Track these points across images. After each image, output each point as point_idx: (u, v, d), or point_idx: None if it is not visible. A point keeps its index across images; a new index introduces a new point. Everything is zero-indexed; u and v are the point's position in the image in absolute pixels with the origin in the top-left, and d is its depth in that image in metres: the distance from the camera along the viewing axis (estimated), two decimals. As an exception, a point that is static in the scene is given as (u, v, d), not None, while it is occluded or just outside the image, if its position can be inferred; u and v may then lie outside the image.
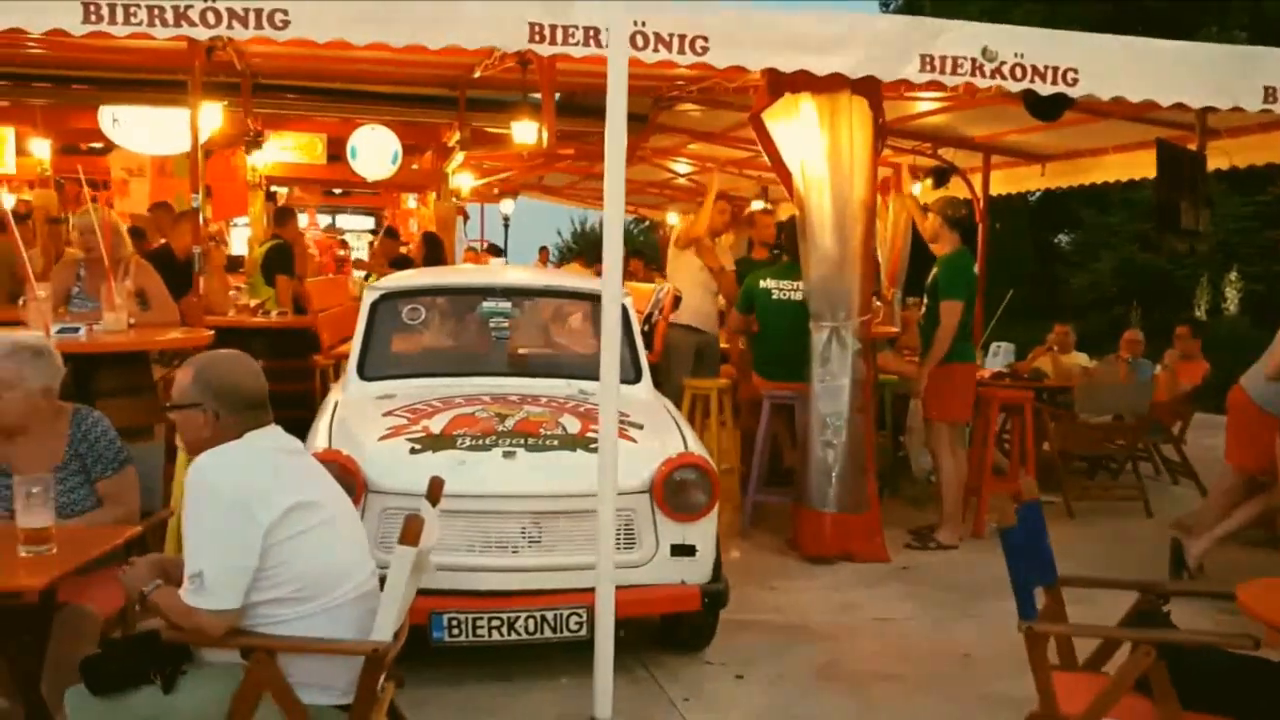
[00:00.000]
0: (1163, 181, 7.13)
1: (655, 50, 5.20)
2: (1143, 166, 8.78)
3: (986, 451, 6.59)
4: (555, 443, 4.25)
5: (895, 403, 7.87)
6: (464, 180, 11.00)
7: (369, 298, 5.19)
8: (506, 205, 18.75)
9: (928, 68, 5.50)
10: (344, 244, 14.56)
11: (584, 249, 19.09)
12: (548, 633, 4.02)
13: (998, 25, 5.70)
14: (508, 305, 5.11)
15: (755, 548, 6.13)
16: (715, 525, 4.27)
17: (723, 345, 7.46)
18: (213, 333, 5.50)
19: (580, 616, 4.01)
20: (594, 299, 5.38)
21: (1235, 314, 13.89)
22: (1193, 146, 7.15)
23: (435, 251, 9.21)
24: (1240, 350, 9.01)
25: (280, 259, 8.72)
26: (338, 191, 15.34)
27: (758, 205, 11.29)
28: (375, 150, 10.63)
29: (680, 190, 13.83)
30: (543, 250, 19.49)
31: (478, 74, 7.70)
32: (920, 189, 9.17)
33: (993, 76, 5.58)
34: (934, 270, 6.30)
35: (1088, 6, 16.84)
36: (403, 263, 9.02)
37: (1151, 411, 7.43)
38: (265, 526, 2.67)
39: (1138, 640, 2.91)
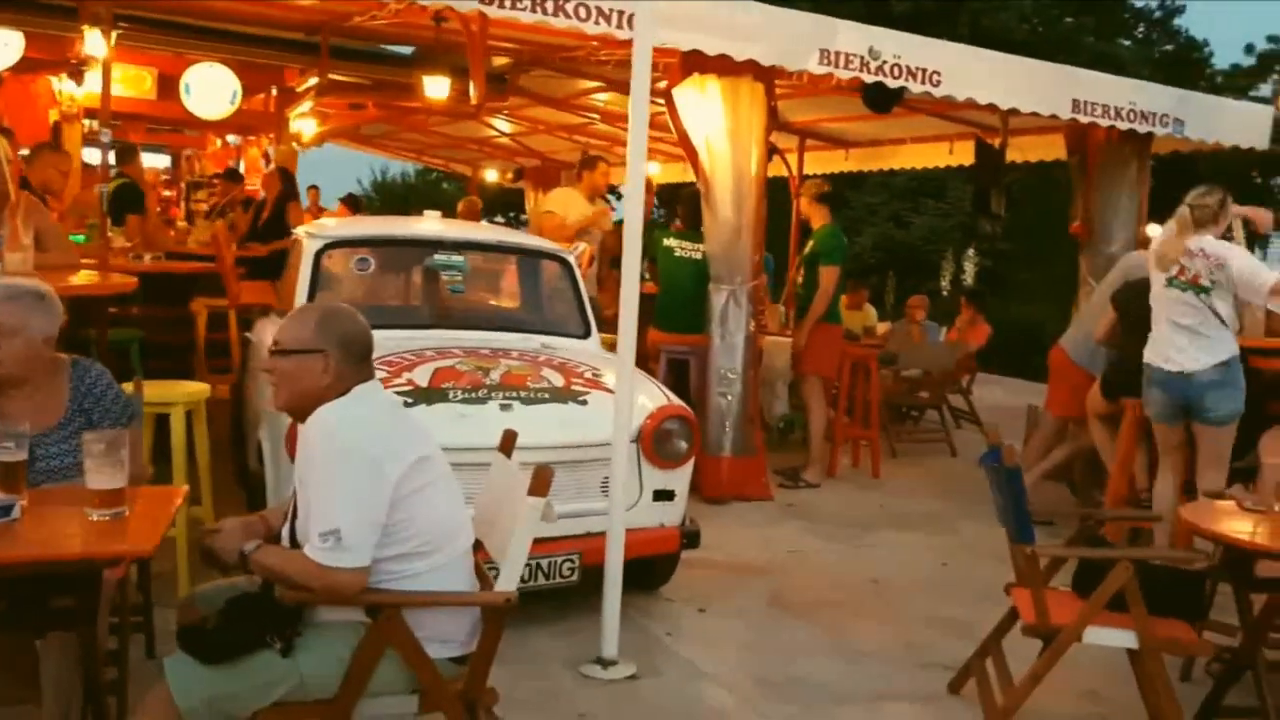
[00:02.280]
0: (979, 173, 7.65)
1: (596, 23, 5.07)
2: (935, 156, 9.38)
3: (840, 401, 6.89)
4: (546, 395, 4.09)
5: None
6: (307, 125, 10.20)
7: (311, 246, 4.76)
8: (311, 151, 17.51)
9: (825, 61, 5.65)
10: (171, 183, 13.14)
11: (384, 199, 18.22)
12: (541, 580, 3.88)
13: (883, 29, 5.89)
14: (460, 259, 4.82)
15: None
16: (690, 471, 4.25)
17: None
18: (136, 279, 4.88)
19: (573, 563, 3.91)
20: (540, 255, 5.21)
21: (973, 285, 15.22)
22: (996, 143, 7.70)
23: (291, 188, 8.55)
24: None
25: (130, 198, 7.81)
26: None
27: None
28: (212, 89, 9.64)
29: (499, 149, 13.43)
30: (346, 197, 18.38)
31: (356, 20, 7.18)
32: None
33: (876, 73, 5.80)
34: (810, 242, 6.49)
35: (838, 7, 17.61)
36: (250, 203, 8.34)
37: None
38: (394, 481, 2.43)
39: (1119, 558, 3.10)
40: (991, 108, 6.33)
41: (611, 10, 5.01)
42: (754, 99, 5.98)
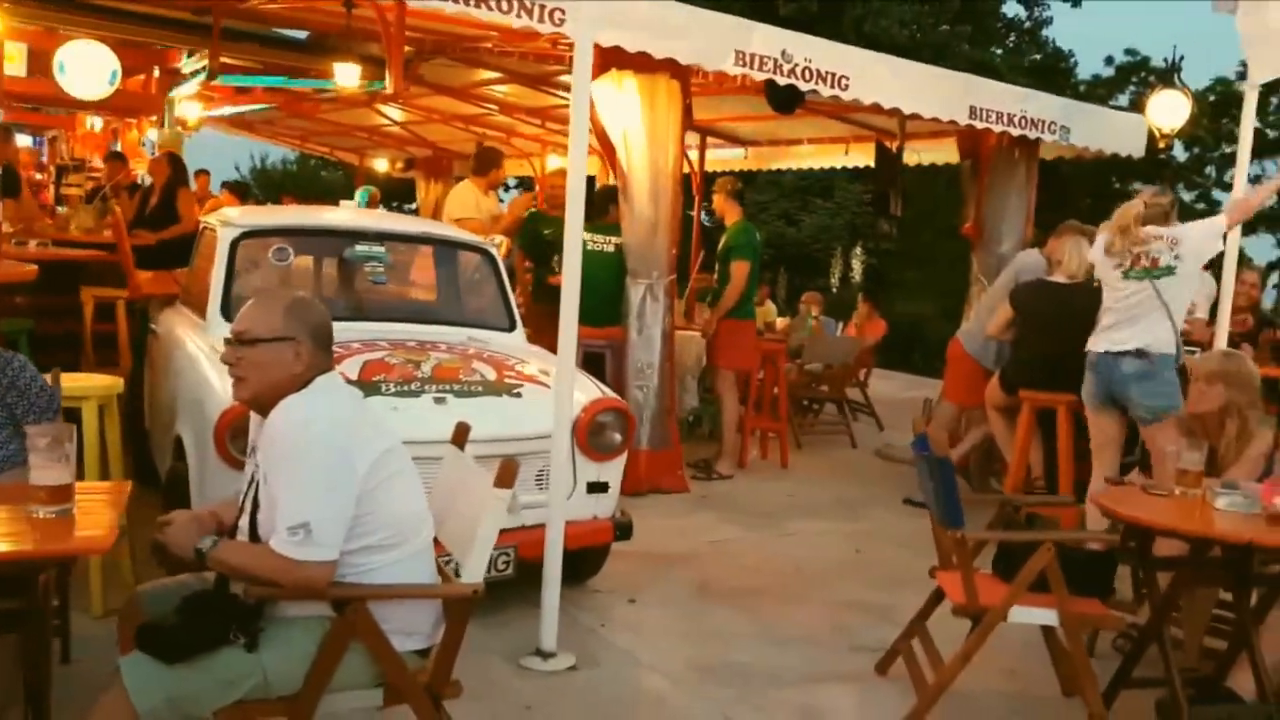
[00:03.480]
0: (878, 175, 7.93)
1: (519, 16, 5.07)
2: (832, 156, 9.67)
3: (753, 394, 7.06)
4: (480, 389, 4.09)
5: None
6: (191, 109, 9.83)
7: (227, 236, 4.64)
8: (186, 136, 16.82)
9: (741, 62, 5.78)
10: (41, 166, 12.43)
11: (262, 186, 17.63)
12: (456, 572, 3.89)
13: (795, 33, 6.07)
14: (382, 249, 4.77)
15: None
16: (624, 463, 4.32)
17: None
18: (35, 267, 4.67)
19: (508, 556, 3.94)
20: (463, 247, 5.19)
21: (859, 282, 15.73)
22: (893, 145, 8.01)
23: (181, 173, 8.24)
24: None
25: (7, 181, 7.43)
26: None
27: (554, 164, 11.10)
28: (88, 67, 9.18)
29: (389, 137, 13.21)
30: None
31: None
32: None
33: (789, 75, 5.97)
34: (724, 238, 6.64)
35: (724, 6, 17.93)
36: (135, 189, 8.01)
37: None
38: (363, 473, 2.43)
39: (1041, 540, 3.27)
40: (892, 111, 6.57)
41: (535, 4, 5.02)
42: (671, 96, 6.08)
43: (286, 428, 2.43)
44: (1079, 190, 20.34)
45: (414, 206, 16.32)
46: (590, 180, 9.94)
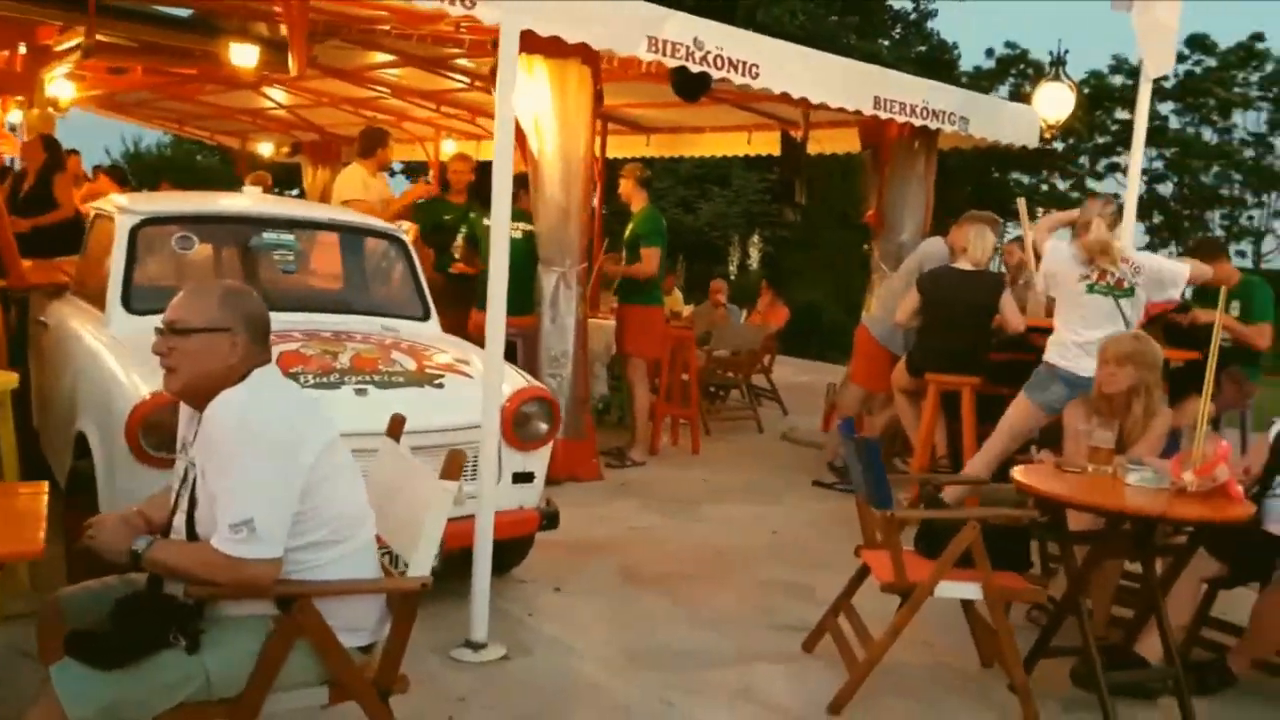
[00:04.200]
0: (783, 164, 8.08)
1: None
2: (734, 145, 9.79)
3: (663, 381, 7.13)
4: (401, 379, 4.04)
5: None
6: (64, 89, 9.35)
7: (126, 223, 4.46)
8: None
9: (653, 49, 5.82)
10: None
11: (136, 171, 16.88)
12: (403, 567, 3.85)
13: (706, 20, 6.13)
14: (290, 237, 4.66)
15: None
16: (550, 452, 4.32)
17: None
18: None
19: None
20: (374, 234, 5.09)
21: (757, 270, 15.95)
22: (797, 134, 8.17)
23: (58, 157, 7.85)
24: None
25: None
26: None
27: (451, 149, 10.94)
28: (-56, 44, 8.67)
29: (274, 121, 12.82)
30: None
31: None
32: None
33: (701, 63, 6.03)
34: (631, 225, 6.68)
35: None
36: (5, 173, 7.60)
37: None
38: (306, 467, 2.39)
39: (967, 519, 3.42)
40: (800, 101, 6.70)
41: (446, -13, 4.96)
42: (582, 82, 6.08)
43: (225, 422, 2.36)
44: (961, 179, 21.11)
45: (295, 192, 15.90)
46: (485, 165, 9.85)
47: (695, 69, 6.01)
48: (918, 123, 6.96)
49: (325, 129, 12.63)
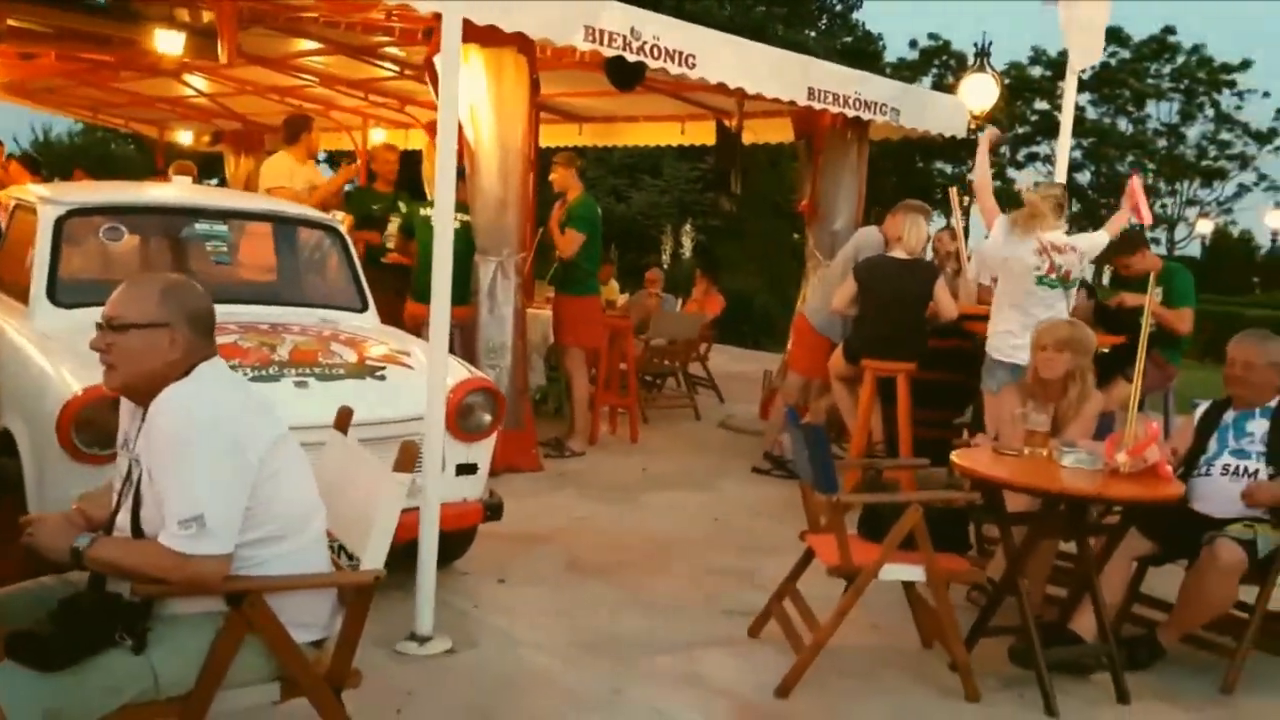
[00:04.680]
0: (719, 154, 8.14)
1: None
2: (668, 134, 9.82)
3: (602, 370, 7.15)
4: (342, 372, 4.00)
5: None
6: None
7: (51, 214, 4.32)
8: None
9: (590, 38, 5.83)
10: None
11: (47, 161, 16.25)
12: (345, 560, 3.82)
13: (643, 10, 6.14)
14: (224, 227, 4.57)
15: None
16: (493, 443, 4.31)
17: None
18: None
19: (378, 541, 3.86)
20: (310, 225, 5.02)
21: (689, 258, 16.04)
22: (731, 124, 8.23)
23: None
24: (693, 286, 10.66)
25: None
26: None
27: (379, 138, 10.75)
28: None
29: (194, 109, 12.48)
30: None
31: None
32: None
33: (638, 53, 6.06)
34: (564, 211, 6.70)
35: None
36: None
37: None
38: (255, 462, 2.36)
39: (910, 502, 3.50)
40: (734, 91, 6.75)
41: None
42: (518, 71, 6.05)
43: (172, 418, 2.33)
44: (887, 168, 21.44)
45: (216, 182, 15.53)
46: (412, 154, 9.76)
47: (633, 59, 6.03)
48: (850, 113, 7.07)
49: (248, 118, 12.34)
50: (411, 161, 9.99)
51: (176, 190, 4.93)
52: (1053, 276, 4.98)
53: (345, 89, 10.24)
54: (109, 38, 8.55)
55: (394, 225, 7.42)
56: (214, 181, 15.58)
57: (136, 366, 2.38)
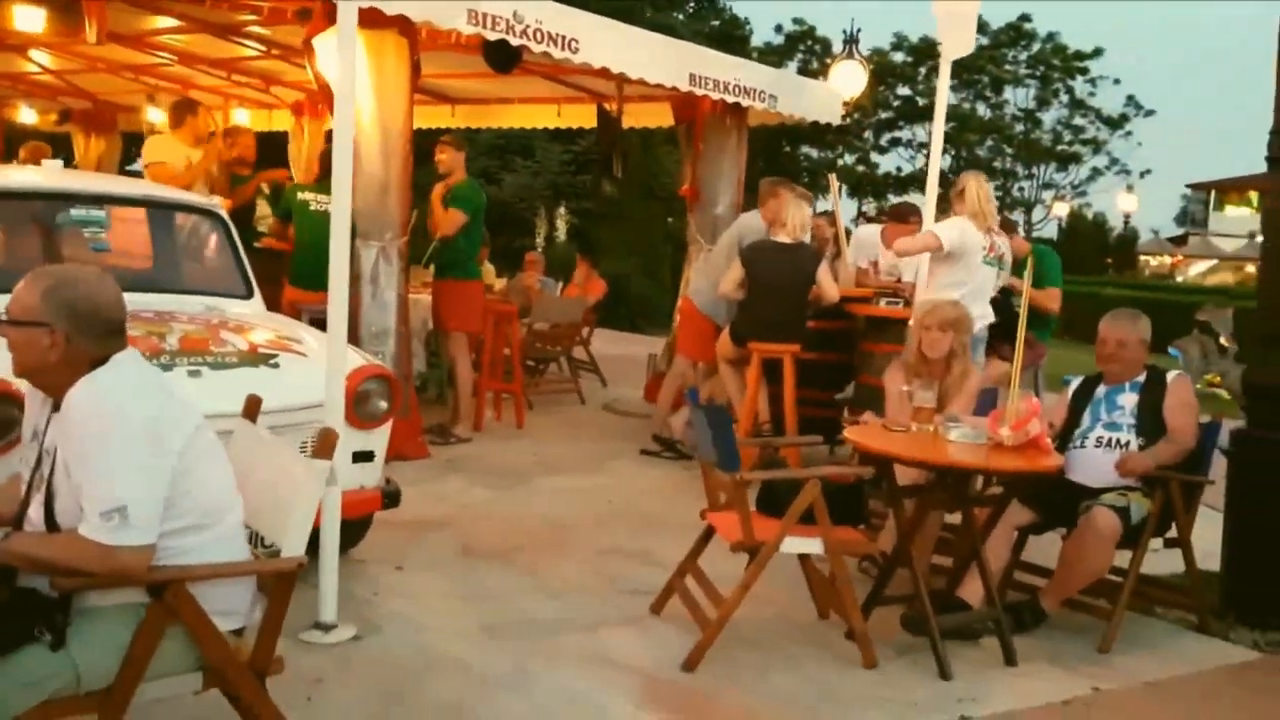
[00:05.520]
0: (600, 138, 8.26)
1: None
2: (544, 117, 9.86)
3: (485, 356, 7.19)
4: (234, 360, 3.98)
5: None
6: None
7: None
8: None
9: (474, 22, 5.86)
10: None
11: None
12: (261, 548, 3.79)
13: None
14: (101, 213, 4.46)
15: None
16: (389, 430, 4.34)
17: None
18: None
19: (273, 532, 3.87)
20: (192, 210, 4.92)
21: (564, 241, 16.08)
22: (611, 108, 8.36)
23: None
24: (569, 270, 10.83)
25: None
26: None
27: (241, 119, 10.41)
28: None
29: (38, 86, 11.85)
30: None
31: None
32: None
33: (521, 36, 6.12)
34: (448, 193, 6.74)
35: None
36: None
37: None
38: (176, 451, 2.39)
39: (809, 478, 3.69)
40: (618, 75, 6.87)
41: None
42: (399, 54, 6.04)
43: (88, 409, 2.33)
44: (754, 153, 21.92)
45: (60, 163, 14.76)
46: (276, 135, 9.53)
47: (516, 43, 6.08)
48: (730, 99, 7.28)
49: (98, 96, 11.82)
50: (271, 143, 9.81)
51: (46, 174, 4.75)
52: (992, 256, 5.49)
53: (206, 68, 9.92)
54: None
55: (264, 208, 7.30)
56: (58, 163, 14.78)
57: (23, 362, 2.40)
